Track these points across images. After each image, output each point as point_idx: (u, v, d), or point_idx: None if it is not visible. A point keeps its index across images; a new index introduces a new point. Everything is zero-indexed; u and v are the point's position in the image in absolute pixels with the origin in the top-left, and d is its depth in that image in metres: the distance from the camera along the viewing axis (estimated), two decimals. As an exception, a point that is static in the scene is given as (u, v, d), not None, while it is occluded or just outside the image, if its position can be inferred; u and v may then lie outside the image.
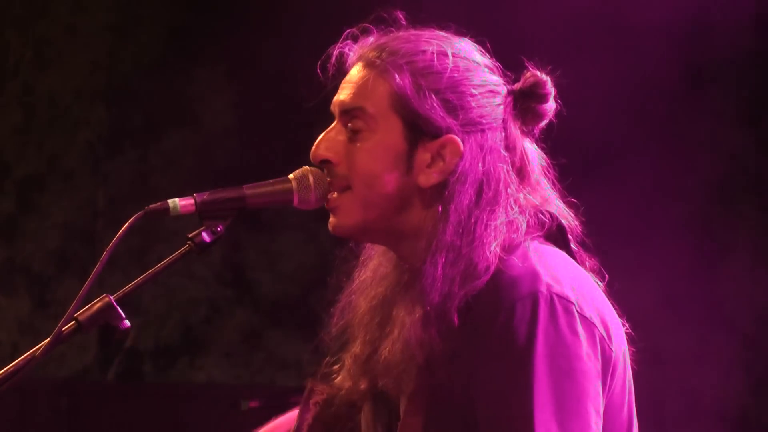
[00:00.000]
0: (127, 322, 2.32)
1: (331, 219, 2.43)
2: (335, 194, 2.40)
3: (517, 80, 2.45)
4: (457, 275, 2.26)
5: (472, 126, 2.36)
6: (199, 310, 6.61)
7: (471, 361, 2.22)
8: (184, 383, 6.59)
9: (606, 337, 2.26)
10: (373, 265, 2.54)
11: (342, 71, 2.47)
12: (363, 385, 2.51)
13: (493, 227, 2.29)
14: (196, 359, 6.60)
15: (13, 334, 6.80)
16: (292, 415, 2.77)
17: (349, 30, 2.48)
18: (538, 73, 2.44)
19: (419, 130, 2.35)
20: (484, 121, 2.37)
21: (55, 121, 6.79)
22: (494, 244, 2.27)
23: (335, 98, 2.44)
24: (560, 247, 2.38)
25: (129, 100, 6.70)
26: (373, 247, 2.56)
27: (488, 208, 2.31)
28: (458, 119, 2.35)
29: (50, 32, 6.77)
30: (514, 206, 2.34)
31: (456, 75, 2.37)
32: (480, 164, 2.34)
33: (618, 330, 2.33)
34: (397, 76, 2.35)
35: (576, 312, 2.23)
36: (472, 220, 2.30)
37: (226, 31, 6.49)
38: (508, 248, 2.29)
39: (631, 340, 2.39)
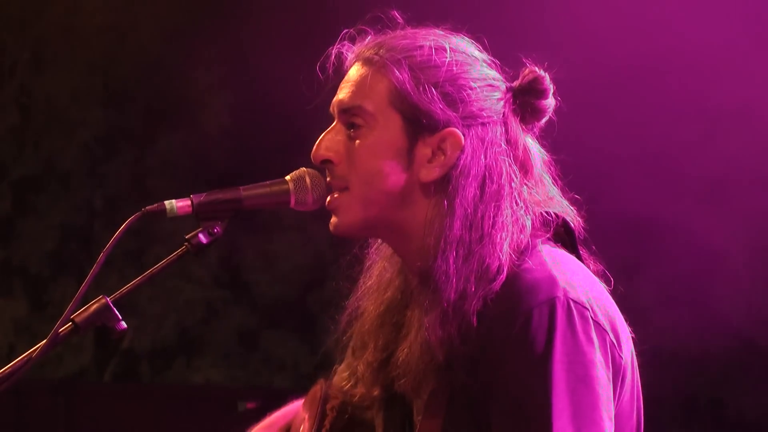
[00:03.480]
0: (124, 324, 2.32)
1: (332, 219, 2.43)
2: (336, 194, 2.40)
3: (515, 77, 2.46)
4: (471, 274, 2.25)
5: (473, 119, 2.36)
6: (196, 311, 6.61)
7: (488, 366, 2.22)
8: (181, 384, 6.60)
9: (616, 344, 2.27)
10: (378, 271, 2.53)
11: (340, 72, 2.47)
12: (376, 392, 2.50)
13: (500, 224, 2.29)
14: (193, 360, 6.60)
15: (9, 335, 6.80)
16: (290, 409, 2.77)
17: (347, 30, 2.49)
18: (537, 69, 2.44)
19: (419, 125, 2.35)
20: (485, 115, 2.37)
21: (51, 123, 6.79)
22: (505, 245, 2.27)
23: (334, 98, 2.44)
24: (567, 249, 2.38)
25: (126, 101, 6.70)
26: (377, 252, 2.55)
27: (493, 203, 2.31)
28: (458, 112, 2.35)
29: (47, 33, 6.77)
30: (519, 201, 2.33)
31: (454, 68, 2.37)
32: (482, 157, 2.34)
33: (626, 336, 2.34)
34: (395, 70, 2.35)
35: (591, 318, 2.23)
36: (479, 215, 2.30)
37: (223, 32, 6.49)
38: (519, 249, 2.29)
39: (635, 344, 2.39)
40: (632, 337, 2.38)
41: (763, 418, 5.40)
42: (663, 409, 5.43)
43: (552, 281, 2.24)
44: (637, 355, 2.40)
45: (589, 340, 2.22)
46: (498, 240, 2.28)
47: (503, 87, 2.42)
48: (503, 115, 2.39)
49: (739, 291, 5.40)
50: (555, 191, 2.43)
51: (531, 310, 2.21)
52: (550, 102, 2.44)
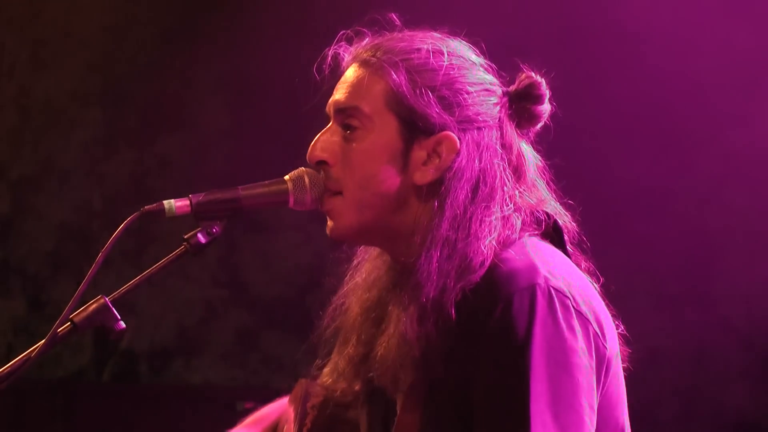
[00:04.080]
0: (123, 323, 2.33)
1: (329, 222, 2.44)
2: (331, 198, 2.41)
3: (511, 82, 2.46)
4: (452, 270, 2.27)
5: (468, 123, 2.37)
6: (195, 311, 6.60)
7: (468, 352, 2.23)
8: (179, 384, 6.59)
9: (600, 335, 2.28)
10: (366, 269, 2.54)
11: (337, 73, 2.47)
12: (357, 386, 2.52)
13: (487, 223, 2.30)
14: (192, 360, 6.60)
15: (8, 335, 6.80)
16: (277, 406, 2.77)
17: (344, 31, 2.49)
18: (533, 74, 2.45)
19: (415, 128, 2.36)
20: (480, 119, 2.38)
21: (50, 123, 6.79)
22: (489, 239, 2.28)
23: (331, 99, 2.45)
24: (557, 247, 2.39)
25: (124, 101, 6.70)
26: (366, 250, 2.56)
27: (483, 204, 2.32)
28: (454, 116, 2.36)
29: (46, 34, 6.77)
30: (509, 203, 2.35)
31: (452, 72, 2.38)
32: (476, 161, 2.35)
33: (611, 330, 2.35)
34: (392, 73, 2.36)
35: (572, 306, 2.24)
36: (468, 216, 2.31)
37: (221, 32, 6.48)
38: (504, 243, 2.30)
39: (626, 342, 2.40)
40: (624, 334, 2.39)
41: (762, 418, 5.40)
42: (661, 409, 5.43)
43: (533, 269, 2.26)
44: (630, 353, 2.40)
45: (570, 327, 2.23)
46: (482, 236, 2.30)
47: (499, 91, 2.43)
48: (499, 120, 2.40)
49: (738, 291, 5.40)
50: (548, 195, 2.44)
51: (511, 296, 2.22)
52: (545, 107, 2.45)
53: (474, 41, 2.48)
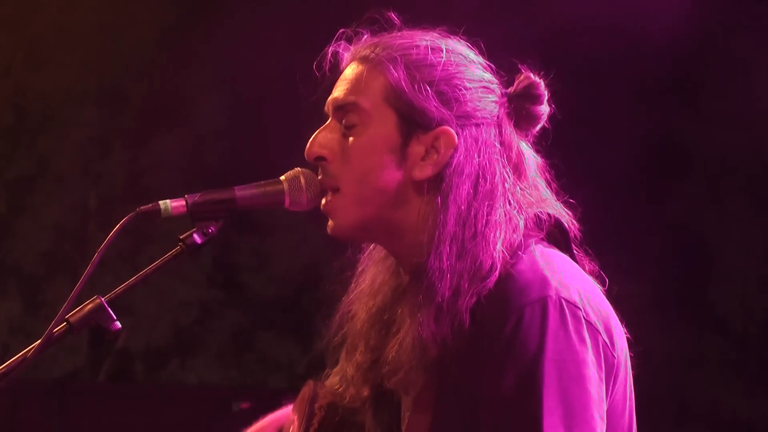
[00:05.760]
0: (118, 324, 2.32)
1: (329, 222, 2.43)
2: (329, 196, 2.40)
3: (510, 82, 2.46)
4: (464, 271, 2.26)
5: (467, 119, 2.36)
6: (191, 311, 6.60)
7: (478, 362, 2.22)
8: (175, 384, 6.59)
9: (609, 344, 2.27)
10: (371, 274, 2.53)
11: (336, 71, 2.47)
12: (365, 392, 2.51)
13: (493, 223, 2.29)
14: (187, 360, 6.59)
15: (3, 336, 6.79)
16: (282, 413, 2.77)
17: (343, 30, 2.49)
18: (532, 75, 2.44)
19: (413, 123, 2.35)
20: (479, 115, 2.37)
21: (46, 122, 6.78)
22: (498, 244, 2.27)
23: (329, 97, 2.44)
24: (561, 250, 2.38)
25: (120, 101, 6.69)
26: (370, 256, 2.55)
27: (486, 202, 2.31)
28: (452, 111, 2.35)
29: (41, 33, 6.76)
30: (512, 201, 2.34)
31: (450, 68, 2.38)
32: (475, 157, 2.35)
33: (620, 335, 2.34)
34: (391, 68, 2.36)
35: (583, 318, 2.23)
36: (472, 213, 2.30)
37: (218, 32, 6.48)
38: (512, 249, 2.29)
39: (630, 345, 2.39)
40: (627, 338, 2.38)
41: (758, 419, 5.40)
42: (658, 409, 5.43)
43: (544, 281, 2.25)
44: (631, 356, 2.39)
45: (581, 339, 2.22)
46: (491, 238, 2.29)
47: (498, 91, 2.42)
48: (497, 118, 2.39)
49: (734, 292, 5.40)
50: (549, 194, 2.44)
51: (523, 308, 2.21)
52: (544, 108, 2.45)
53: (473, 41, 2.47)
